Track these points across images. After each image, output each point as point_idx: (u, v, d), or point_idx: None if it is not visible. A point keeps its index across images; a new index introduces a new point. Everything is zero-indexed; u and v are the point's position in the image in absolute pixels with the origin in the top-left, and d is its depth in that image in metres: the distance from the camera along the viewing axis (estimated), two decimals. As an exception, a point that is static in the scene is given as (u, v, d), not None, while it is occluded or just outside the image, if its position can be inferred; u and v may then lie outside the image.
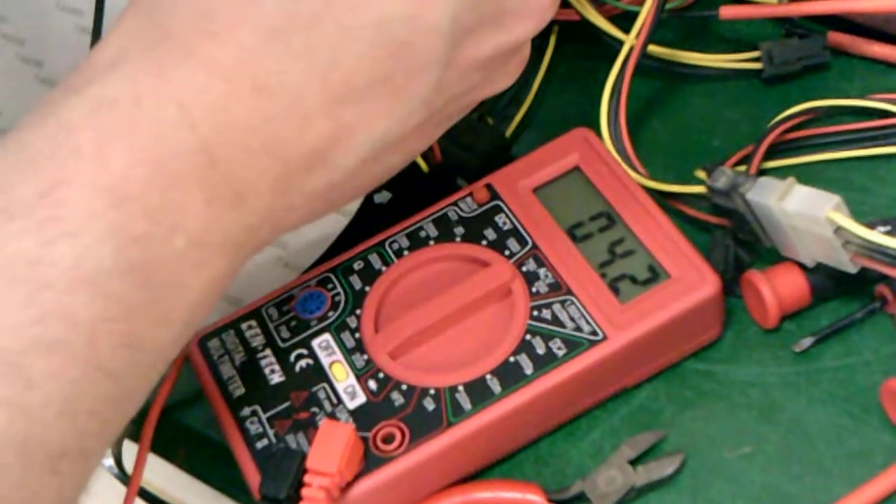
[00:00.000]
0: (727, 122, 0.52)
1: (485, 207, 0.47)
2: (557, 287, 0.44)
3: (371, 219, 0.50)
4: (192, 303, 0.35)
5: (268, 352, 0.45)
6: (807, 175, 0.46)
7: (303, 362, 0.44)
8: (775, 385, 0.44)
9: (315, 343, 0.44)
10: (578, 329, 0.43)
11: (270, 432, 0.42)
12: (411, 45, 0.36)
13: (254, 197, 0.36)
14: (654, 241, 0.44)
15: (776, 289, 0.44)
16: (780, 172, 0.48)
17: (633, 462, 0.42)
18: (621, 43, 0.50)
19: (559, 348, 0.42)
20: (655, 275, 0.44)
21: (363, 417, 0.42)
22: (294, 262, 0.50)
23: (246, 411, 0.43)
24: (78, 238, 0.32)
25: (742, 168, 0.47)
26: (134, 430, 0.42)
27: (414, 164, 0.48)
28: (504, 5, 0.38)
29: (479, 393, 0.42)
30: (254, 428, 0.43)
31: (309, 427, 0.42)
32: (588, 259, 0.44)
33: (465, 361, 0.43)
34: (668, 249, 0.44)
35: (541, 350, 0.42)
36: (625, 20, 0.51)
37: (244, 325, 0.46)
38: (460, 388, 0.42)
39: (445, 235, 0.46)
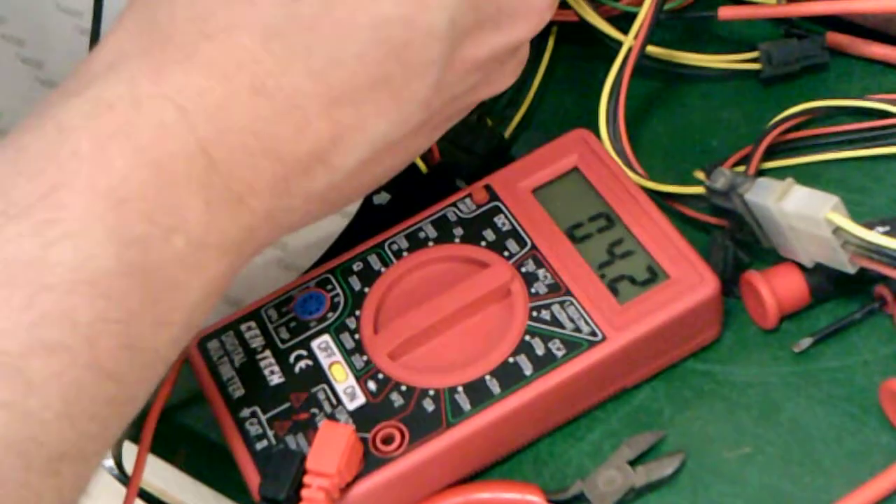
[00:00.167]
0: (726, 122, 0.52)
1: (484, 208, 0.47)
2: (556, 288, 0.44)
3: (370, 220, 0.50)
4: (191, 304, 0.35)
5: (267, 353, 0.45)
6: (805, 175, 0.46)
7: (302, 363, 0.44)
8: (775, 385, 0.44)
9: (314, 344, 0.44)
10: (577, 330, 0.43)
11: (270, 433, 0.42)
12: (410, 46, 0.36)
13: (253, 198, 0.36)
14: (653, 242, 0.44)
15: (775, 289, 0.44)
16: (779, 173, 0.48)
17: (633, 462, 0.42)
18: (620, 44, 0.50)
19: (558, 349, 0.42)
20: (654, 275, 0.44)
21: (363, 418, 0.42)
22: (293, 264, 0.50)
23: (245, 412, 0.43)
24: (77, 240, 0.32)
25: (741, 169, 0.47)
26: (134, 432, 0.42)
27: (413, 166, 0.48)
28: (502, 6, 0.38)
29: (479, 394, 0.42)
30: (253, 429, 0.43)
31: (308, 428, 0.42)
32: (587, 260, 0.44)
33: (464, 362, 0.43)
34: (667, 250, 0.44)
35: (540, 351, 0.42)
36: (623, 21, 0.51)
37: (244, 327, 0.46)
38: (460, 388, 0.42)
39: (445, 236, 0.46)
